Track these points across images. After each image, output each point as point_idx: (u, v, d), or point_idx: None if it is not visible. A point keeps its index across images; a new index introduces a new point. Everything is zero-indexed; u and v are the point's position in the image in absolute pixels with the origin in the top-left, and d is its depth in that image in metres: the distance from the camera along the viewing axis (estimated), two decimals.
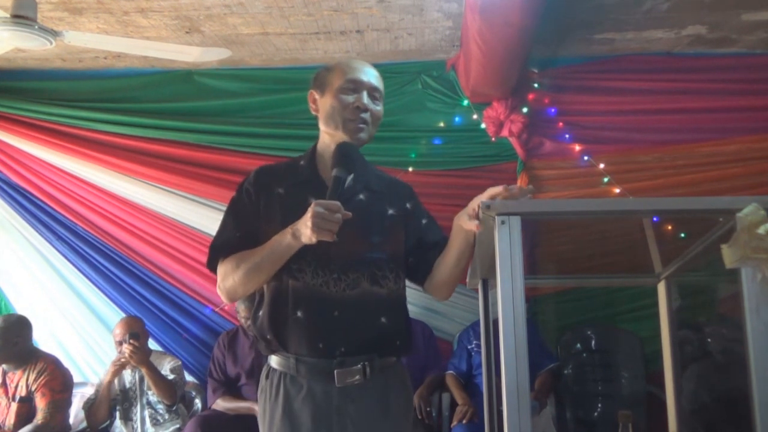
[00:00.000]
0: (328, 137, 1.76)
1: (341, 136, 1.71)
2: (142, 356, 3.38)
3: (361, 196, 1.72)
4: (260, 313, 1.70)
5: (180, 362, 3.63)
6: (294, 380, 1.65)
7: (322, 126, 1.77)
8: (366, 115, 1.70)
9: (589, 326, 3.93)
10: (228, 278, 1.67)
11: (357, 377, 1.62)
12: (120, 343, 3.47)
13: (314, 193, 1.66)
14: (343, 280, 1.64)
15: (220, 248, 1.72)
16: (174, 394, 3.46)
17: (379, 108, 1.75)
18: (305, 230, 1.52)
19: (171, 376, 3.50)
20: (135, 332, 3.44)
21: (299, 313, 1.63)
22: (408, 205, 1.80)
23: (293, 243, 1.57)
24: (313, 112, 1.80)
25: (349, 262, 1.64)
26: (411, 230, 1.77)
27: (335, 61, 1.82)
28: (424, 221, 1.80)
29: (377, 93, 1.74)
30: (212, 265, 1.73)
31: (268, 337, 1.67)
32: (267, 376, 1.71)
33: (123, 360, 3.40)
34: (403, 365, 1.77)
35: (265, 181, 1.75)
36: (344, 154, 1.64)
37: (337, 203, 1.52)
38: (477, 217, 1.43)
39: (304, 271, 1.64)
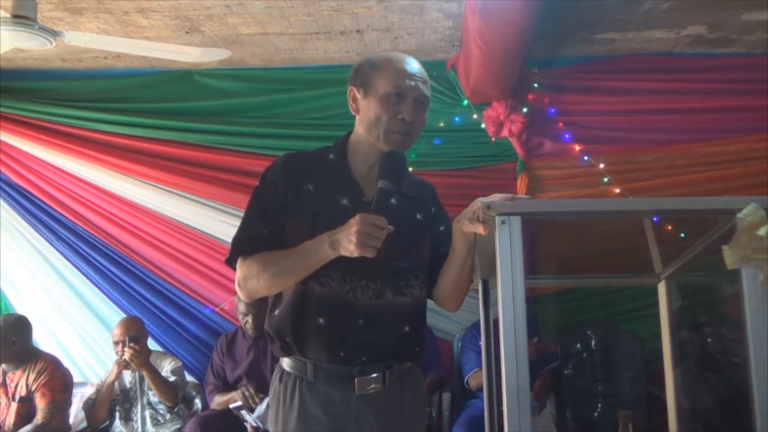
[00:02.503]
0: (365, 141, 1.66)
1: (382, 147, 1.62)
2: (142, 359, 3.38)
3: (393, 201, 1.63)
4: (276, 313, 1.65)
5: (181, 363, 3.62)
6: (311, 386, 1.61)
7: (360, 129, 1.66)
8: (410, 126, 1.61)
9: (589, 326, 3.92)
10: (252, 279, 1.59)
11: (377, 385, 1.60)
12: (117, 344, 3.47)
13: (346, 194, 1.62)
14: (371, 287, 1.60)
15: (244, 245, 1.63)
16: (176, 395, 3.46)
17: (424, 116, 1.65)
18: (348, 244, 1.46)
19: (172, 378, 3.49)
20: (135, 335, 3.43)
21: (321, 320, 1.58)
22: (432, 209, 1.75)
23: (330, 253, 1.51)
24: (353, 112, 1.69)
25: (377, 270, 1.59)
26: (432, 236, 1.73)
27: (383, 55, 1.68)
28: (441, 228, 1.74)
29: (425, 99, 1.63)
30: (232, 260, 1.65)
31: (287, 339, 1.62)
32: (281, 380, 1.66)
33: (125, 359, 3.40)
34: (419, 371, 1.75)
35: (293, 173, 1.64)
36: (393, 165, 1.57)
37: (384, 219, 1.47)
38: (478, 219, 1.40)
39: (330, 277, 1.58)
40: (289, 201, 1.62)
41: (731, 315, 3.22)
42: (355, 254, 1.47)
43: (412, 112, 1.60)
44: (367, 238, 1.45)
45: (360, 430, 1.59)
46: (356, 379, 1.59)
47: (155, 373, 3.41)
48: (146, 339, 3.60)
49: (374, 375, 1.60)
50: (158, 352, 3.73)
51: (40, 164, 4.09)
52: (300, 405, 1.60)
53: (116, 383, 3.52)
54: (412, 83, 1.61)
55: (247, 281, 1.60)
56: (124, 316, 3.82)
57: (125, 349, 3.38)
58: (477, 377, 3.58)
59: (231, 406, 3.43)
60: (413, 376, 1.71)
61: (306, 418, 1.59)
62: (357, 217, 1.47)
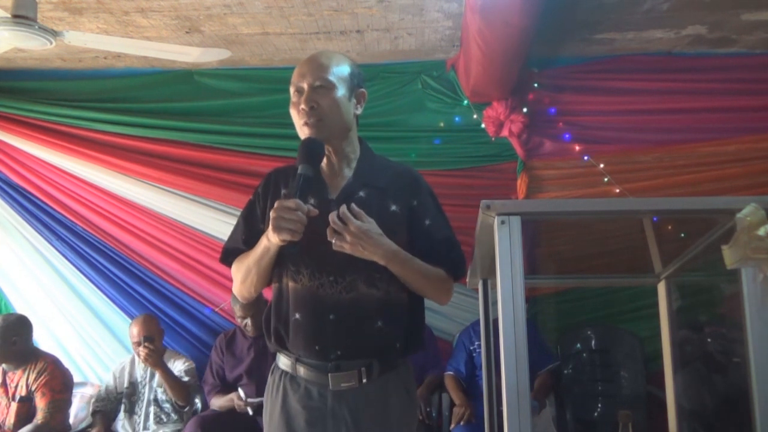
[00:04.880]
0: None
1: None
2: (156, 359, 3.42)
3: (361, 194, 1.68)
4: (267, 313, 1.73)
5: (193, 364, 3.63)
6: (293, 380, 1.66)
7: None
8: (314, 112, 1.65)
9: (589, 326, 3.92)
10: (234, 281, 1.74)
11: (352, 382, 1.62)
12: (138, 344, 3.49)
13: (314, 194, 1.66)
14: (339, 282, 1.62)
15: (228, 252, 1.78)
16: (187, 395, 3.49)
17: (330, 95, 1.66)
18: (270, 232, 1.53)
19: (185, 378, 3.52)
20: (150, 335, 3.47)
21: (297, 315, 1.64)
22: (414, 202, 1.70)
23: (268, 244, 1.59)
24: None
25: (345, 264, 1.60)
26: (412, 230, 1.69)
27: None
28: (426, 222, 1.70)
29: (321, 81, 1.67)
30: (228, 266, 1.79)
31: (272, 338, 1.70)
32: (271, 374, 1.74)
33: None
34: (410, 370, 1.74)
35: (273, 183, 1.76)
36: (307, 150, 1.62)
37: (294, 201, 1.51)
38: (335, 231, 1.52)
39: (302, 273, 1.63)
40: (268, 208, 1.69)
41: (731, 315, 3.22)
42: (278, 239, 1.52)
43: (308, 100, 1.66)
44: (280, 221, 1.50)
45: (336, 425, 1.61)
46: (330, 375, 1.62)
47: (168, 373, 3.45)
48: (162, 336, 3.63)
49: (350, 372, 1.62)
50: (172, 351, 3.74)
51: (40, 164, 4.08)
52: (283, 398, 1.66)
53: (126, 375, 3.57)
54: (303, 75, 1.69)
55: (234, 285, 1.76)
56: (140, 315, 3.78)
57: (140, 348, 3.42)
58: (448, 381, 3.59)
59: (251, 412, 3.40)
60: (401, 376, 1.69)
61: (287, 410, 1.65)
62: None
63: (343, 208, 1.54)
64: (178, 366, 3.57)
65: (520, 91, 3.83)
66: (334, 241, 1.54)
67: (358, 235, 1.53)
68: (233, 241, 1.77)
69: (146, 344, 3.41)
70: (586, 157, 3.88)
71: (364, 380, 1.62)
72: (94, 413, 3.56)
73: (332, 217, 1.53)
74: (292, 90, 1.71)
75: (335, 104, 1.67)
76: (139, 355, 3.48)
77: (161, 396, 3.52)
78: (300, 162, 1.60)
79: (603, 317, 3.95)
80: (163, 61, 3.81)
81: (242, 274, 1.69)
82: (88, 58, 3.95)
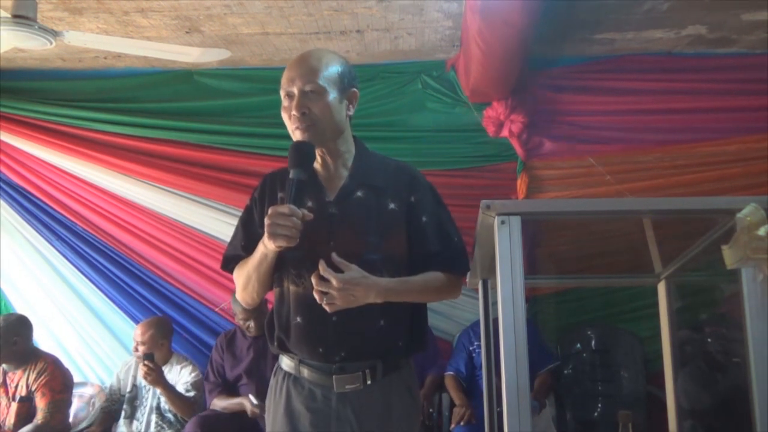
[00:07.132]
0: None
1: None
2: (155, 377, 3.29)
3: (359, 194, 1.67)
4: (269, 317, 1.73)
5: (201, 375, 3.54)
6: (297, 381, 1.66)
7: None
8: (306, 118, 1.63)
9: (589, 326, 3.92)
10: (237, 288, 1.73)
11: (357, 384, 1.62)
12: (135, 349, 3.46)
13: (312, 196, 1.66)
14: None
15: (228, 260, 1.77)
16: (192, 411, 3.41)
17: (321, 100, 1.63)
18: (265, 239, 1.53)
19: (192, 392, 3.43)
20: (150, 352, 3.38)
21: (299, 319, 1.63)
22: (412, 198, 1.69)
23: (265, 251, 1.58)
24: None
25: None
26: (409, 228, 1.68)
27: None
28: (423, 219, 1.68)
29: (311, 86, 1.63)
30: (230, 273, 1.79)
31: (275, 343, 1.70)
32: (274, 375, 1.74)
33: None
34: (412, 370, 1.74)
35: (269, 186, 1.75)
36: (298, 154, 1.60)
37: (288, 206, 1.51)
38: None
39: (303, 277, 1.62)
40: (265, 211, 1.65)
41: (731, 315, 3.22)
42: (274, 246, 1.52)
43: (299, 106, 1.63)
44: (275, 228, 1.50)
45: (341, 427, 1.61)
46: (334, 377, 1.62)
47: (170, 390, 3.36)
48: (167, 341, 3.57)
49: (354, 374, 1.62)
50: (180, 355, 3.66)
51: (40, 164, 4.09)
52: (286, 399, 1.66)
53: (131, 378, 3.54)
54: (293, 79, 1.65)
55: (236, 291, 1.75)
56: (148, 318, 3.73)
57: (140, 366, 3.33)
58: (449, 381, 3.59)
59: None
60: (403, 376, 1.69)
61: (291, 412, 1.64)
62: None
63: (322, 264, 1.53)
64: (185, 377, 3.48)
65: (520, 91, 3.82)
66: (324, 304, 1.53)
67: (344, 288, 1.52)
68: (233, 248, 1.77)
69: (145, 362, 3.29)
70: (587, 158, 3.88)
71: (369, 382, 1.62)
72: (101, 412, 3.53)
73: (314, 280, 1.53)
74: (282, 93, 1.68)
75: (327, 109, 1.64)
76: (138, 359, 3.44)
77: (164, 405, 3.45)
78: (291, 166, 1.58)
79: (603, 317, 3.95)
80: (163, 61, 3.81)
81: (243, 281, 1.69)
82: (88, 58, 3.96)
